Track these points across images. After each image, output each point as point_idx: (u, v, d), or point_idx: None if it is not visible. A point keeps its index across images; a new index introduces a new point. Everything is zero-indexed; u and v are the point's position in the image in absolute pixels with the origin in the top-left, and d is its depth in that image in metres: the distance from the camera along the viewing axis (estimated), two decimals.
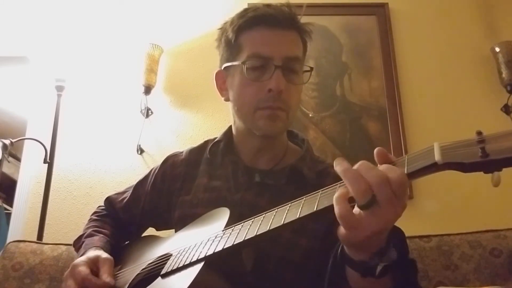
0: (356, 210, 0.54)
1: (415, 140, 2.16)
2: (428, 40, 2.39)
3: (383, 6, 2.43)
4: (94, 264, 0.87)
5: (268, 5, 0.95)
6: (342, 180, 0.57)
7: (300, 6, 0.98)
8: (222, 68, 1.00)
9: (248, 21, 0.93)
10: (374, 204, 0.52)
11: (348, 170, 0.54)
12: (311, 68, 0.98)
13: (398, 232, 0.66)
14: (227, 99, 1.01)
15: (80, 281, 0.81)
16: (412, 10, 2.46)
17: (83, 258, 0.88)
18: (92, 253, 0.91)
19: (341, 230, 0.56)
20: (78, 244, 1.03)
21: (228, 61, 0.97)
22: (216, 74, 1.03)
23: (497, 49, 2.24)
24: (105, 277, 0.83)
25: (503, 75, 2.20)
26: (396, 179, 0.52)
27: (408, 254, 0.68)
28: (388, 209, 0.52)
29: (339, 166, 0.55)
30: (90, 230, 1.04)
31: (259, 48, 0.91)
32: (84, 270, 0.83)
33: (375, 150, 0.57)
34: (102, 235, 1.03)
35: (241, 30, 0.94)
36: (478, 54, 2.34)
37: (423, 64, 2.35)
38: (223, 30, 1.00)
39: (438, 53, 2.36)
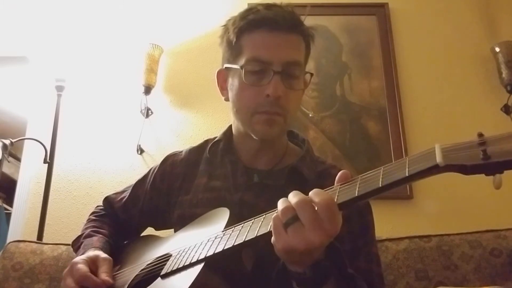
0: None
1: (415, 140, 2.16)
2: (428, 40, 2.38)
3: (383, 6, 2.43)
4: (93, 263, 0.87)
5: (270, 7, 0.93)
6: (342, 182, 0.61)
7: (303, 6, 0.97)
8: (224, 67, 0.99)
9: (249, 24, 0.92)
10: (295, 223, 0.59)
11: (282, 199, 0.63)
12: (311, 75, 0.97)
13: (335, 249, 0.68)
14: (227, 99, 1.00)
15: (79, 279, 0.81)
16: (412, 10, 2.46)
17: (82, 256, 0.88)
18: (91, 252, 0.91)
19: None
20: (76, 245, 1.03)
21: (228, 62, 0.96)
22: (218, 72, 1.02)
23: (497, 49, 2.23)
24: (104, 276, 0.84)
25: (503, 75, 2.20)
26: (321, 201, 0.58)
27: (347, 268, 0.71)
28: (312, 230, 0.57)
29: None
30: (88, 230, 1.04)
31: (259, 52, 0.90)
32: (83, 268, 0.83)
33: (338, 174, 0.63)
34: (100, 235, 1.02)
35: (242, 32, 0.92)
36: (478, 54, 2.34)
37: (423, 64, 2.34)
38: (225, 29, 0.98)
39: (438, 53, 2.36)
